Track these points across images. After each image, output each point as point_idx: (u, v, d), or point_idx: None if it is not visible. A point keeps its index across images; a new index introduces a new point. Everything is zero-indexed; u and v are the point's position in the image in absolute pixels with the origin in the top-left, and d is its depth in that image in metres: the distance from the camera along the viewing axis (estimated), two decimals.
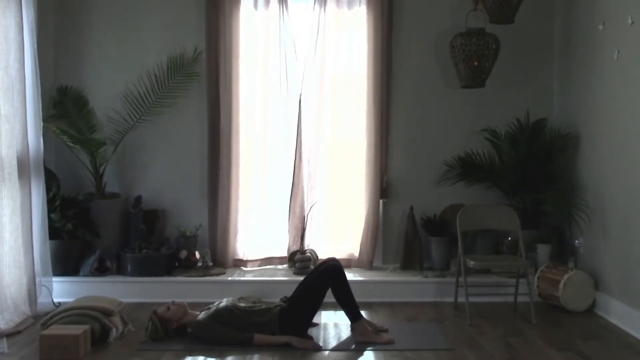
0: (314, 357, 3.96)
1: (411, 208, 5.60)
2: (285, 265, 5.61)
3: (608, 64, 4.74)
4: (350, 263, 5.59)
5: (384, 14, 5.54)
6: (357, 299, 4.26)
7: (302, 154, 5.58)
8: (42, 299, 4.80)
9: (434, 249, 5.51)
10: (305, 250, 5.52)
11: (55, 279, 5.03)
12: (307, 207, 5.58)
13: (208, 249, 5.53)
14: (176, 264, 5.39)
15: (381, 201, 5.66)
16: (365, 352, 4.04)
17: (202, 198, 5.64)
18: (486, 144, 5.65)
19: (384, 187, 5.65)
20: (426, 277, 5.31)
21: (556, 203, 5.24)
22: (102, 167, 5.45)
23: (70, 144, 5.35)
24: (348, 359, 3.97)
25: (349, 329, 4.32)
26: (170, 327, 4.18)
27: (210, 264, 5.46)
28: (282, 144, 5.64)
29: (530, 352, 4.03)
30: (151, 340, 4.13)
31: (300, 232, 5.57)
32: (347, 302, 4.22)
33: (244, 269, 5.55)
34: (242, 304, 4.27)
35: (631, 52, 4.44)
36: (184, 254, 5.38)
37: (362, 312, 4.33)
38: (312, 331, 4.29)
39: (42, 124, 4.96)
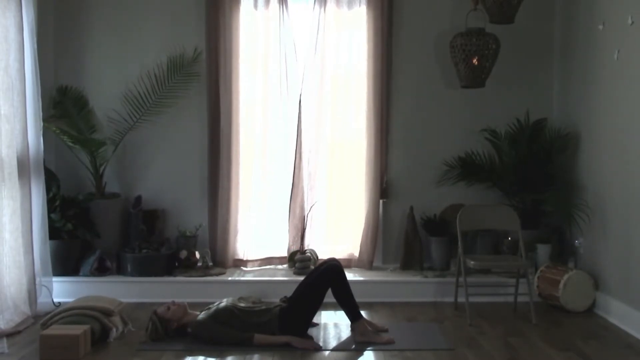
0: (314, 357, 3.96)
1: (411, 208, 5.60)
2: (285, 265, 5.61)
3: (608, 64, 4.73)
4: (350, 263, 5.59)
5: (384, 14, 5.54)
6: (357, 299, 4.26)
7: (302, 154, 5.58)
8: (42, 299, 4.80)
9: (434, 249, 5.51)
10: (305, 250, 5.52)
11: (55, 279, 5.03)
12: (307, 207, 5.58)
13: (208, 249, 5.53)
14: (176, 264, 5.39)
15: (381, 201, 5.65)
16: (365, 352, 4.04)
17: (202, 198, 5.64)
18: (486, 144, 5.65)
19: (384, 187, 5.65)
20: (426, 277, 5.31)
21: (556, 203, 5.24)
22: (102, 167, 5.45)
23: (70, 144, 5.35)
24: (348, 359, 3.97)
25: (349, 329, 4.32)
26: (170, 327, 4.18)
27: (210, 264, 5.46)
28: (282, 144, 5.63)
29: (530, 352, 4.03)
30: (151, 340, 4.13)
31: (300, 232, 5.57)
32: (347, 302, 4.22)
33: (244, 269, 5.55)
34: (242, 304, 4.27)
35: (631, 52, 4.44)
36: (184, 254, 5.38)
37: (362, 312, 4.32)
38: (312, 331, 4.29)
39: (42, 124, 4.95)
